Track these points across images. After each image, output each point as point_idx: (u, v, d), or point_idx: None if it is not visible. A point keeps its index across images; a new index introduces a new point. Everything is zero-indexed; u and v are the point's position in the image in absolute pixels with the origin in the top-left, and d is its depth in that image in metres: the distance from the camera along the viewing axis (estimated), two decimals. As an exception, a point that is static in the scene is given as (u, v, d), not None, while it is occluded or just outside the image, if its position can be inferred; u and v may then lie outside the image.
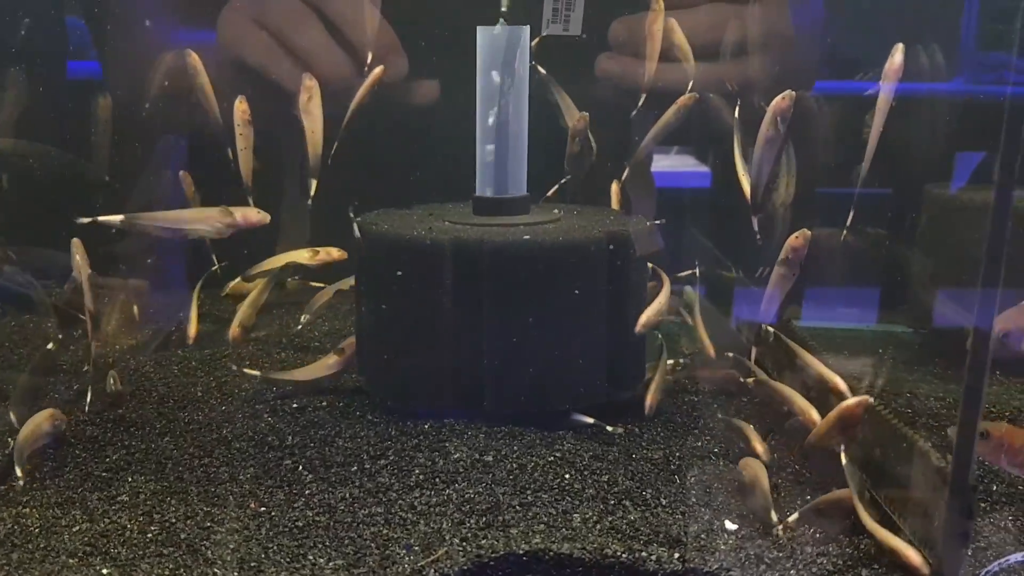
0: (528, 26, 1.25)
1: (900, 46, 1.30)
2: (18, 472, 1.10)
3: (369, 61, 1.49)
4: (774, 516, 1.02)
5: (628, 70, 1.56)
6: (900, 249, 1.61)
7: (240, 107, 1.43)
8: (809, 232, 1.26)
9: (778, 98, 1.26)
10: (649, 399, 1.26)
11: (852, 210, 1.37)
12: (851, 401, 1.08)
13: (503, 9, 1.27)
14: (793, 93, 1.27)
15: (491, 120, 1.27)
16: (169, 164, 1.56)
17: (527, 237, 1.19)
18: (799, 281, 1.30)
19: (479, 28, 1.25)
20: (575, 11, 1.60)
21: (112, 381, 1.32)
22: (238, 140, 1.44)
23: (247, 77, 1.55)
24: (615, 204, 1.49)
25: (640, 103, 1.50)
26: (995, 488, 1.11)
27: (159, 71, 1.54)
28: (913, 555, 0.93)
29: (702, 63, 1.48)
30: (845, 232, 1.41)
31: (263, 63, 1.54)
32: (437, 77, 1.62)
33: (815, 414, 1.15)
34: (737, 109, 1.45)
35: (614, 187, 1.49)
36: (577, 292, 1.20)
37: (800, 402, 1.18)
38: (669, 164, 2.00)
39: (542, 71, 1.52)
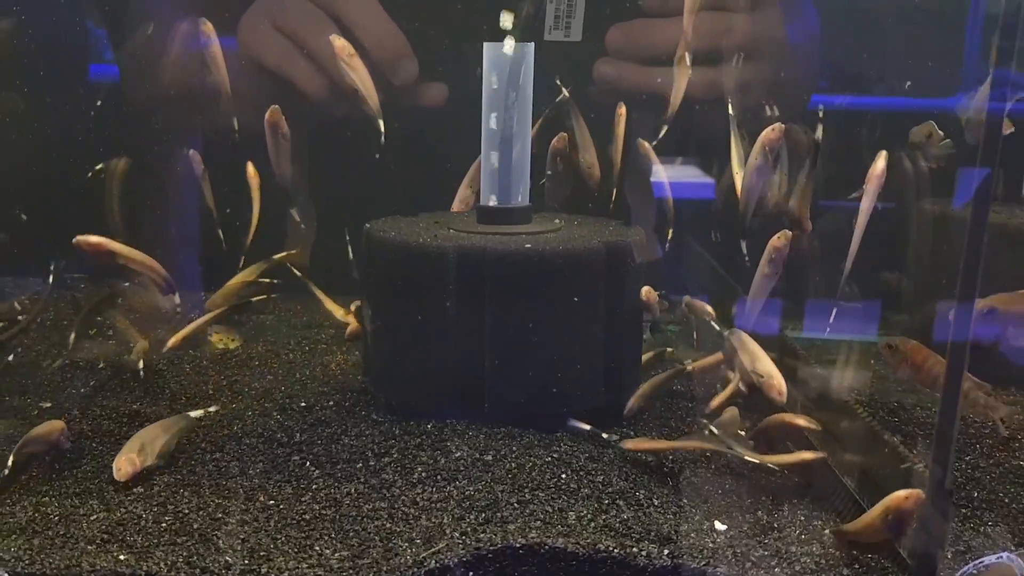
0: (533, 43, 1.29)
1: (883, 153, 1.31)
2: (9, 463, 1.12)
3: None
4: None
5: (625, 75, 1.60)
6: (896, 263, 1.64)
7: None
8: (790, 233, 1.30)
9: (767, 130, 1.31)
10: (632, 401, 1.30)
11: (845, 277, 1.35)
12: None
13: (507, 27, 1.30)
14: (782, 126, 1.31)
15: (496, 132, 1.31)
16: (184, 143, 1.62)
17: (529, 246, 1.23)
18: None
19: (486, 44, 1.30)
20: (575, 18, 1.64)
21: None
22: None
23: (266, 80, 1.61)
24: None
25: (658, 137, 1.53)
26: (976, 495, 1.15)
27: (174, 40, 1.59)
28: None
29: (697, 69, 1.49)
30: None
31: (281, 67, 1.60)
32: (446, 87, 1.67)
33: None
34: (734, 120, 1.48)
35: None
36: (576, 299, 1.24)
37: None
38: (671, 175, 2.02)
39: (566, 93, 1.55)
